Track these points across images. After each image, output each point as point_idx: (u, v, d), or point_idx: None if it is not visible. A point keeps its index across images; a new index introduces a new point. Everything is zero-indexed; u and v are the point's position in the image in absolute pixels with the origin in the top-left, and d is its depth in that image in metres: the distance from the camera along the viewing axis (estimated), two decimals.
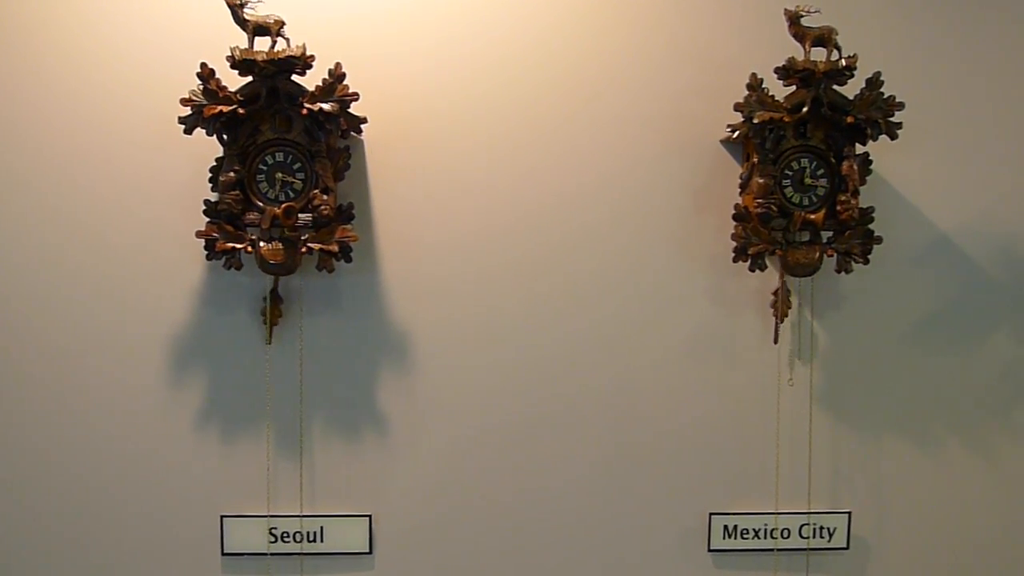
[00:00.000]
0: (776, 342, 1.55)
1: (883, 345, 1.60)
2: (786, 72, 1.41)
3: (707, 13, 1.55)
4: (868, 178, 1.56)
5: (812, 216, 1.46)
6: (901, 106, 1.43)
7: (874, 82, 1.43)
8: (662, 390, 1.58)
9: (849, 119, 1.42)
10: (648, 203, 1.56)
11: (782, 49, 1.44)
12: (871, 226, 1.50)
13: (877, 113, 1.43)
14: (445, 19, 1.53)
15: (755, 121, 1.40)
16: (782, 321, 1.54)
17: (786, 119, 1.41)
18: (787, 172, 1.48)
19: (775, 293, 1.55)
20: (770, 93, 1.42)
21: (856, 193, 1.45)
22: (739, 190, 1.50)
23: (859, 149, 1.48)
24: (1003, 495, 1.64)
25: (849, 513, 1.59)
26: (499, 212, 1.55)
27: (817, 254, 1.47)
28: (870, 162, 1.50)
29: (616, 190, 1.56)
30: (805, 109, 1.42)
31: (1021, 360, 1.63)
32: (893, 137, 1.45)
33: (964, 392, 1.63)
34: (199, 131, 1.38)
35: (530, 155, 1.54)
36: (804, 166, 1.47)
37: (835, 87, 1.43)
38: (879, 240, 1.49)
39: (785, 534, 1.58)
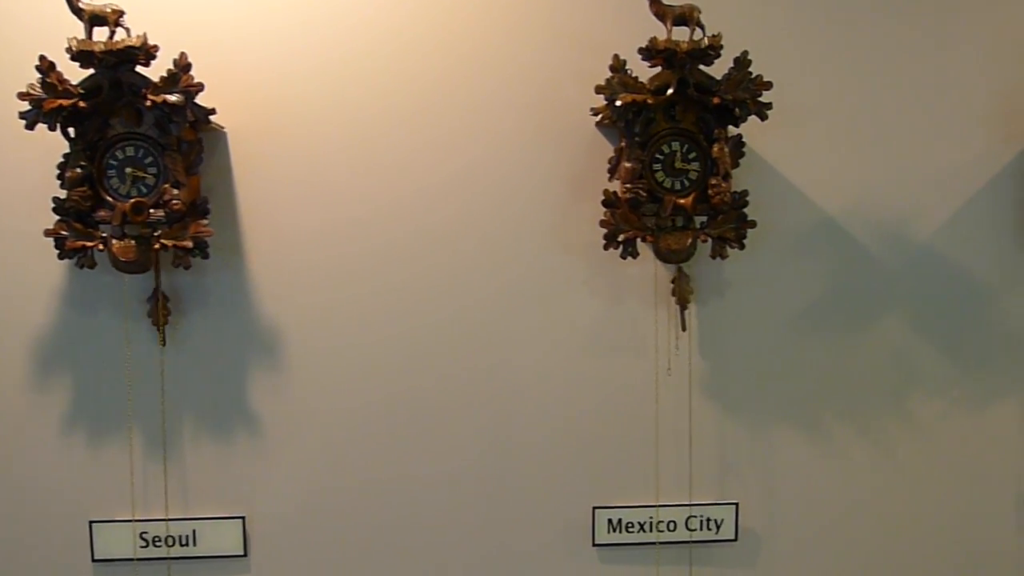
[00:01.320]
0: (684, 329, 1.51)
1: (769, 332, 1.57)
2: (649, 53, 1.37)
3: None
4: (751, 162, 1.53)
5: (682, 201, 1.42)
6: (768, 86, 1.39)
7: (742, 61, 1.39)
8: (542, 382, 1.54)
9: (715, 100, 1.38)
10: (522, 191, 1.52)
11: (656, 30, 1.41)
12: (746, 210, 1.47)
13: (744, 94, 1.38)
14: (307, 6, 1.48)
15: (617, 104, 1.36)
16: (685, 308, 1.50)
17: (650, 101, 1.37)
18: (658, 156, 1.43)
19: (674, 280, 1.51)
20: (635, 75, 1.38)
21: (728, 176, 1.41)
22: (608, 175, 1.46)
23: (734, 131, 1.45)
24: (895, 482, 1.61)
25: (736, 504, 1.56)
26: (369, 203, 1.50)
27: (689, 240, 1.43)
28: (743, 144, 1.46)
29: (489, 178, 1.51)
30: (671, 91, 1.38)
31: (911, 346, 1.60)
32: (763, 118, 1.41)
33: (853, 379, 1.59)
34: (52, 127, 1.34)
35: (399, 144, 1.50)
36: (675, 149, 1.43)
37: (702, 67, 1.40)
38: (753, 224, 1.45)
39: (671, 527, 1.55)
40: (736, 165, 1.46)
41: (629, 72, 1.38)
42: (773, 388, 1.57)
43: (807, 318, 1.58)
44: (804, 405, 1.58)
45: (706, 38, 1.36)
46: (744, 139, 1.46)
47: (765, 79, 1.38)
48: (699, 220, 1.45)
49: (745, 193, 1.45)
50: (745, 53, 1.39)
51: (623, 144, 1.42)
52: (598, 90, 1.36)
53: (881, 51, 1.57)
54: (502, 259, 1.52)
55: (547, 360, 1.53)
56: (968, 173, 1.61)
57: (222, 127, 1.46)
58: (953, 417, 1.62)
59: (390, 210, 1.51)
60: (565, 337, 1.53)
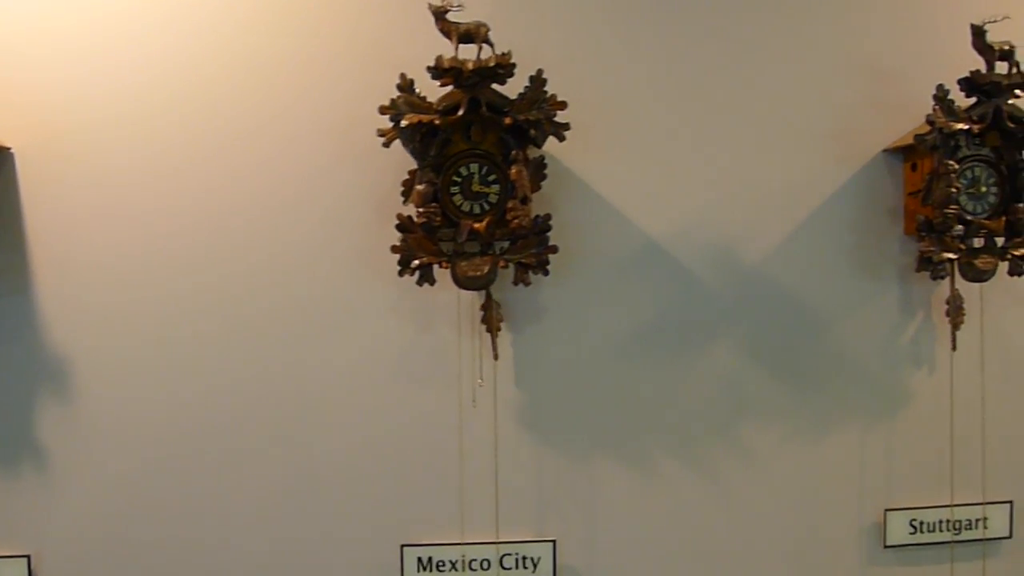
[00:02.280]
0: (496, 358, 1.44)
1: (588, 360, 1.51)
2: (436, 71, 1.31)
3: (383, 10, 1.46)
4: (568, 185, 1.48)
5: (477, 225, 1.36)
6: (563, 105, 1.33)
7: (536, 80, 1.33)
8: (346, 414, 1.47)
9: (507, 120, 1.32)
10: (329, 215, 1.45)
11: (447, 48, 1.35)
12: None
13: (539, 114, 1.33)
14: (101, 26, 1.43)
15: (403, 124, 1.31)
16: (495, 334, 1.44)
17: (437, 121, 1.31)
18: (455, 178, 1.38)
19: (483, 307, 1.45)
20: (423, 95, 1.33)
21: (526, 200, 1.36)
22: (402, 199, 1.40)
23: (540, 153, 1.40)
24: (728, 516, 1.55)
25: (554, 542, 1.49)
26: (162, 228, 1.44)
27: (487, 266, 1.37)
28: (544, 167, 1.41)
29: (293, 200, 1.45)
30: (461, 111, 1.33)
31: (742, 374, 1.54)
32: (560, 138, 1.35)
33: (681, 409, 1.53)
34: None
35: (194, 168, 1.44)
36: (473, 172, 1.38)
37: (496, 87, 1.34)
38: (554, 250, 1.39)
39: (485, 565, 1.48)
40: (538, 188, 1.40)
41: (418, 92, 1.33)
42: (593, 419, 1.51)
43: (630, 345, 1.51)
44: (628, 436, 1.52)
45: (493, 56, 1.31)
46: (546, 161, 1.41)
47: (561, 98, 1.33)
48: (501, 245, 1.39)
49: (548, 217, 1.39)
50: (540, 72, 1.33)
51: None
52: (382, 111, 1.31)
53: (709, 70, 1.52)
54: (306, 285, 1.46)
55: (352, 390, 1.46)
56: (802, 194, 1.55)
57: (8, 147, 1.40)
58: (788, 447, 1.56)
59: (185, 236, 1.44)
60: (370, 366, 1.46)
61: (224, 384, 1.45)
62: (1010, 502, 1.61)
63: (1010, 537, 1.62)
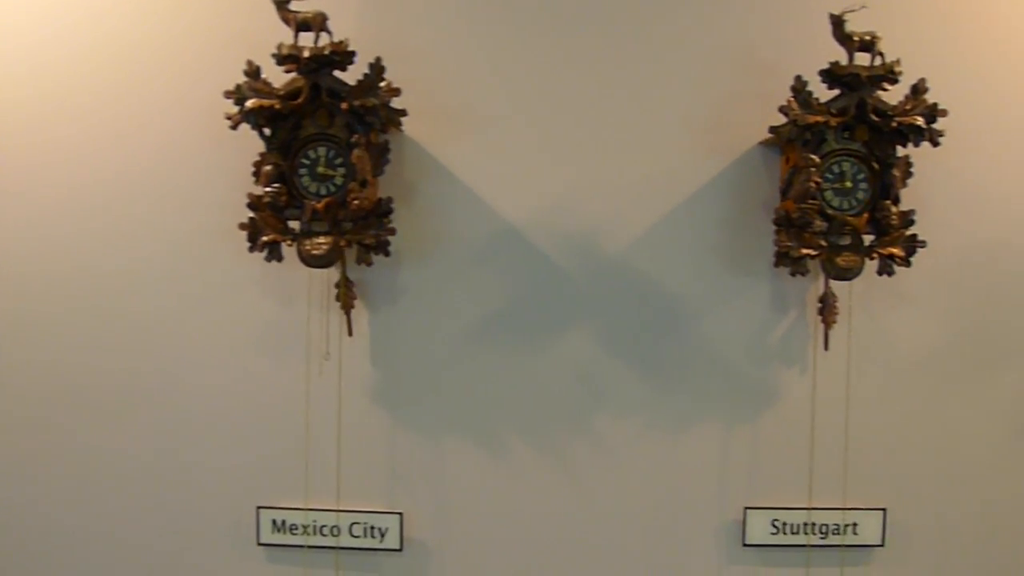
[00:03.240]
0: (350, 335, 1.50)
1: (443, 342, 1.54)
2: (280, 58, 1.37)
3: None
4: (433, 169, 1.52)
5: (318, 205, 1.42)
6: (397, 92, 1.37)
7: (375, 67, 1.37)
8: (209, 385, 1.55)
9: (344, 105, 1.37)
10: (197, 193, 1.54)
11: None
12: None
13: (375, 100, 1.37)
14: None
15: (247, 108, 1.38)
16: (348, 312, 1.50)
17: (277, 106, 1.37)
18: (303, 161, 1.44)
19: (336, 284, 1.51)
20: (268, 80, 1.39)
21: (366, 183, 1.40)
22: (253, 179, 1.47)
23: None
24: (580, 505, 1.56)
25: (401, 514, 1.54)
26: (19, 210, 1.54)
27: (328, 246, 1.42)
28: (388, 151, 1.45)
29: (160, 178, 1.54)
30: (302, 96, 1.38)
31: (597, 361, 1.55)
32: (396, 124, 1.41)
33: (535, 396, 1.55)
34: None
35: (70, 140, 1.53)
36: (320, 155, 1.43)
37: (338, 74, 1.39)
38: (392, 231, 1.43)
39: (335, 531, 1.54)
40: (381, 172, 1.45)
41: (264, 78, 1.39)
42: (446, 399, 1.55)
43: (486, 329, 1.54)
44: (480, 419, 1.55)
45: (331, 43, 1.36)
46: (390, 145, 1.45)
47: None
48: (348, 226, 1.44)
49: (389, 200, 1.43)
50: (378, 59, 1.37)
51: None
52: (227, 95, 1.38)
53: (578, 56, 1.52)
54: (168, 261, 1.54)
55: (211, 362, 1.55)
56: (670, 185, 1.54)
57: None
58: (646, 440, 1.56)
59: (46, 217, 1.55)
60: (229, 339, 1.54)
61: (86, 355, 1.56)
62: (883, 509, 1.56)
63: (882, 545, 1.57)
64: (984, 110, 1.56)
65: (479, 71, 1.52)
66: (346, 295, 1.50)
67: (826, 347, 1.52)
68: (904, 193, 1.48)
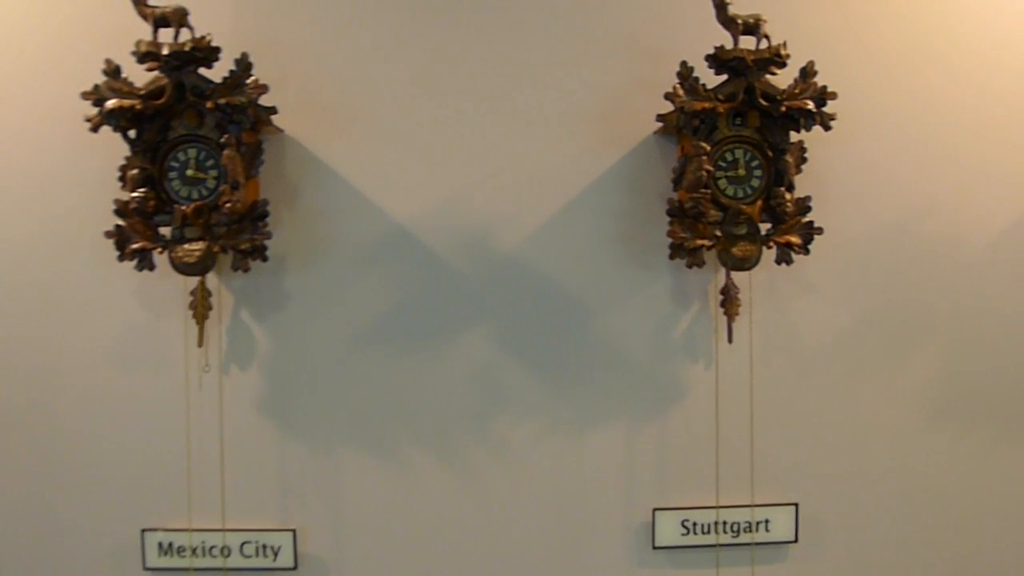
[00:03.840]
0: (200, 344, 1.43)
1: (333, 348, 1.48)
2: (140, 56, 1.30)
3: None
4: (316, 169, 1.46)
5: (188, 210, 1.35)
6: (264, 88, 1.31)
7: (241, 63, 1.31)
8: (84, 404, 1.47)
9: (209, 104, 1.31)
10: (64, 200, 1.46)
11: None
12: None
13: (242, 97, 1.31)
14: None
15: (107, 109, 1.31)
16: (202, 322, 1.43)
17: (139, 106, 1.30)
18: (172, 164, 1.37)
19: (192, 292, 1.43)
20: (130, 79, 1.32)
21: (237, 185, 1.34)
22: (120, 184, 1.40)
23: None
24: (483, 509, 1.50)
25: (294, 531, 1.47)
26: None
27: (200, 252, 1.35)
28: (261, 151, 1.38)
29: (22, 186, 1.45)
30: (166, 96, 1.31)
31: (494, 362, 1.49)
32: (266, 122, 1.34)
33: (432, 400, 1.49)
34: None
35: None
36: (191, 157, 1.36)
37: (204, 72, 1.33)
38: (268, 235, 1.36)
39: (226, 552, 1.47)
40: (255, 173, 1.38)
41: (125, 77, 1.32)
42: (339, 408, 1.48)
43: (378, 333, 1.48)
44: (375, 426, 1.49)
45: (192, 40, 1.29)
46: (272, 146, 1.39)
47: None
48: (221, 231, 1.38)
49: (265, 202, 1.37)
50: (244, 55, 1.31)
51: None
52: (84, 96, 1.31)
53: (464, 50, 1.47)
54: (41, 271, 1.46)
55: (88, 375, 1.46)
56: (563, 178, 1.49)
57: None
58: (548, 442, 1.51)
59: None
60: (105, 352, 1.46)
61: None
62: (795, 505, 1.52)
63: (795, 541, 1.53)
64: (880, 93, 1.53)
65: (362, 66, 1.46)
66: (203, 304, 1.42)
67: (730, 340, 1.48)
68: (802, 180, 1.45)
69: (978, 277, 1.56)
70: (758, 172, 1.42)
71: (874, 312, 1.55)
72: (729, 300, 1.48)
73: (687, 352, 1.52)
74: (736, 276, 1.47)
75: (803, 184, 1.45)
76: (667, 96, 1.36)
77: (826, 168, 1.51)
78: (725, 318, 1.48)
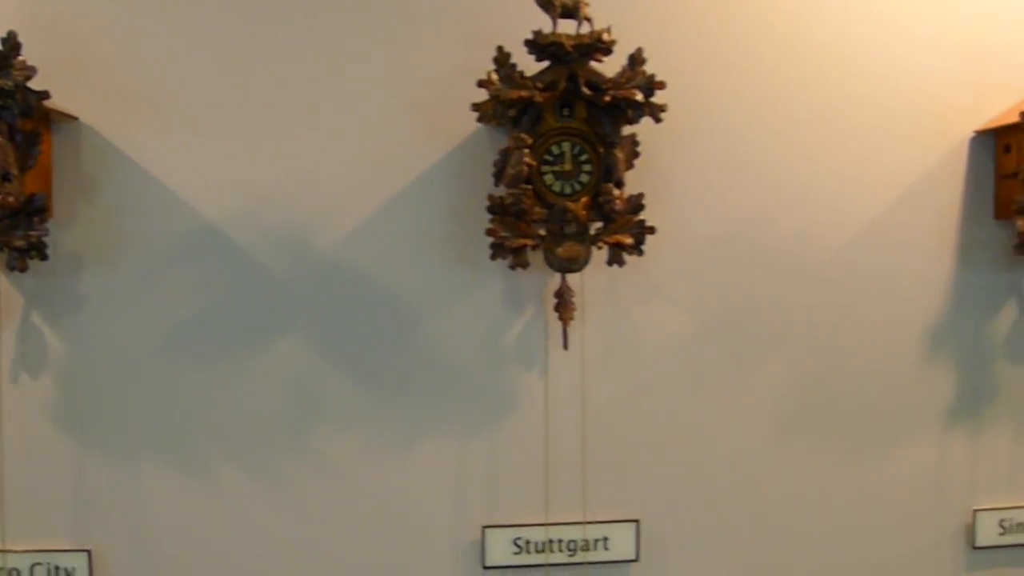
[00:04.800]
0: None
1: (137, 355, 1.36)
2: None
3: None
4: (114, 162, 1.35)
5: None
6: (32, 71, 1.18)
7: (7, 42, 1.19)
8: None
9: None
10: None
11: None
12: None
13: (8, 80, 1.20)
14: None
15: None
16: None
17: None
18: None
19: None
20: None
21: (9, 177, 1.22)
22: None
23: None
24: (296, 522, 1.39)
25: (89, 551, 1.36)
26: None
27: None
28: (37, 140, 1.27)
29: None
30: None
31: (312, 370, 1.39)
32: (31, 111, 1.22)
33: (245, 412, 1.38)
34: None
35: None
36: None
37: None
38: (46, 231, 1.24)
39: (15, 575, 1.36)
40: (30, 164, 1.27)
41: None
42: (142, 418, 1.36)
43: (184, 339, 1.37)
44: (180, 439, 1.37)
45: None
46: (56, 135, 1.28)
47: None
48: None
49: (42, 196, 1.24)
50: (12, 34, 1.18)
51: None
52: None
53: (277, 36, 1.36)
54: None
55: None
56: (385, 174, 1.39)
57: None
58: (372, 454, 1.40)
59: None
60: None
61: None
62: (636, 521, 1.44)
63: (637, 560, 1.44)
64: (725, 87, 1.44)
65: (166, 50, 1.34)
66: None
67: (565, 346, 1.38)
68: (640, 177, 1.36)
69: (830, 280, 1.48)
70: (587, 167, 1.33)
71: (721, 316, 1.46)
72: (563, 304, 1.39)
73: (520, 359, 1.42)
74: (573, 278, 1.39)
75: (640, 181, 1.36)
76: (480, 84, 1.26)
77: (668, 165, 1.43)
78: (560, 323, 1.39)
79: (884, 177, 1.49)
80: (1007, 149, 1.49)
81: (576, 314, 1.40)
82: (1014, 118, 1.41)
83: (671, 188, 1.44)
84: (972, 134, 1.51)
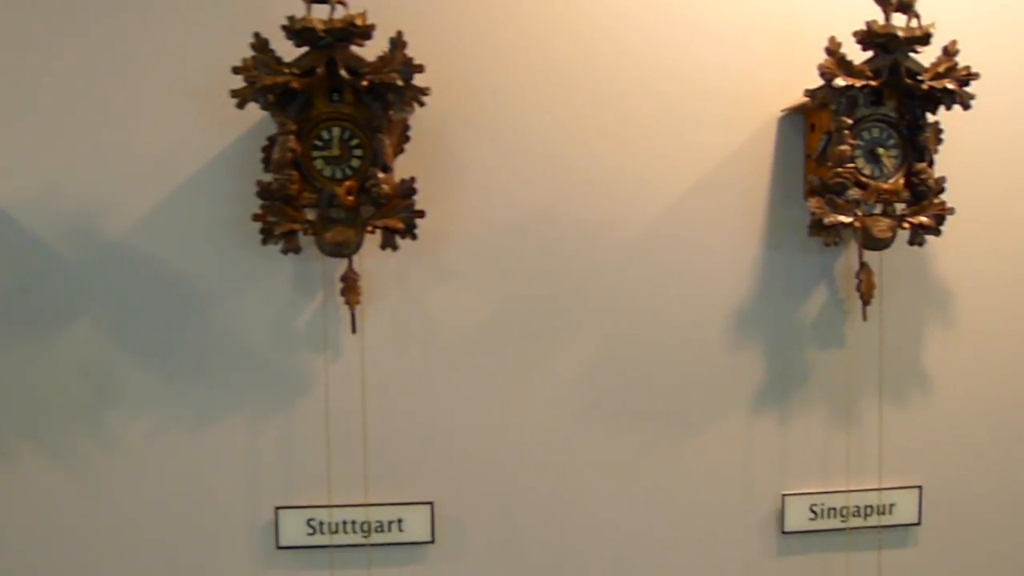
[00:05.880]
0: None
1: None
2: None
3: None
4: None
5: None
6: None
7: None
8: None
9: None
10: None
11: None
12: None
13: None
14: None
15: None
16: None
17: None
18: None
19: None
20: None
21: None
22: None
23: None
24: (91, 508, 1.42)
25: None
26: None
27: None
28: None
29: None
30: None
31: (103, 353, 1.40)
32: None
33: (36, 394, 1.40)
34: None
35: None
36: None
37: None
38: None
39: None
40: None
41: None
42: None
43: None
44: None
45: None
46: None
47: None
48: None
49: None
50: None
51: None
52: None
53: (60, 15, 1.37)
54: None
55: None
56: (174, 159, 1.40)
57: None
58: (165, 439, 1.42)
59: None
60: None
61: None
62: (431, 503, 1.44)
63: (432, 542, 1.45)
64: (518, 65, 1.43)
65: None
66: None
67: (353, 330, 1.40)
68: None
69: (634, 263, 1.47)
70: (358, 152, 1.33)
71: (519, 301, 1.46)
72: (348, 288, 1.39)
73: (311, 343, 1.43)
74: (367, 263, 1.40)
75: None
76: (235, 70, 1.27)
77: (462, 150, 1.42)
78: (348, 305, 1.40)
79: (689, 158, 1.47)
80: (813, 129, 1.46)
81: (369, 298, 1.42)
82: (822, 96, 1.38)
83: (466, 172, 1.43)
84: (780, 113, 1.48)
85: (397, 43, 1.28)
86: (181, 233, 1.41)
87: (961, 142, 1.47)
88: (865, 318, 1.47)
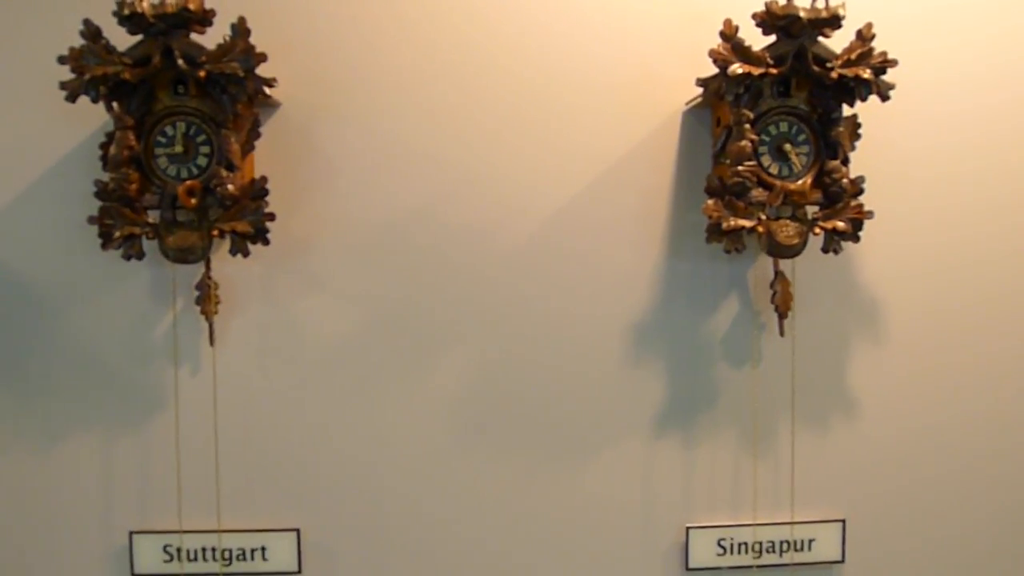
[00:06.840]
0: None
1: None
2: None
3: None
4: None
5: None
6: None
7: None
8: None
9: None
10: None
11: None
12: None
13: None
14: None
15: None
16: None
17: None
18: None
19: None
20: None
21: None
22: None
23: None
24: None
25: None
26: None
27: None
28: None
29: None
30: None
31: None
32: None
33: None
34: None
35: None
36: None
37: None
38: None
39: None
40: None
41: None
42: None
43: None
44: None
45: None
46: None
47: None
48: None
49: None
50: None
51: None
52: None
53: None
54: None
55: None
56: (23, 158, 1.31)
57: None
58: (10, 457, 1.33)
59: None
60: None
61: None
62: (296, 530, 1.33)
63: (299, 572, 1.33)
64: (396, 70, 1.32)
65: None
66: None
67: (211, 342, 1.29)
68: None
69: (522, 271, 1.34)
70: (205, 149, 1.22)
71: (394, 311, 1.34)
72: (205, 296, 1.29)
73: (168, 356, 1.33)
74: (227, 271, 1.30)
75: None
76: (60, 60, 1.16)
77: (331, 150, 1.31)
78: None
79: (582, 157, 1.34)
80: (719, 123, 1.33)
81: (232, 308, 1.31)
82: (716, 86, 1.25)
83: (336, 172, 1.32)
84: (685, 107, 1.34)
85: (239, 30, 1.17)
86: (27, 237, 1.31)
87: (883, 138, 1.32)
88: (782, 333, 1.33)
